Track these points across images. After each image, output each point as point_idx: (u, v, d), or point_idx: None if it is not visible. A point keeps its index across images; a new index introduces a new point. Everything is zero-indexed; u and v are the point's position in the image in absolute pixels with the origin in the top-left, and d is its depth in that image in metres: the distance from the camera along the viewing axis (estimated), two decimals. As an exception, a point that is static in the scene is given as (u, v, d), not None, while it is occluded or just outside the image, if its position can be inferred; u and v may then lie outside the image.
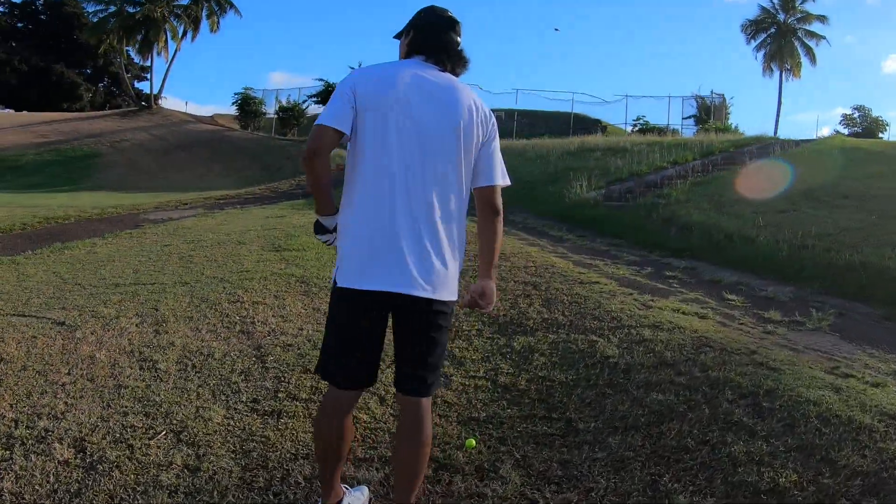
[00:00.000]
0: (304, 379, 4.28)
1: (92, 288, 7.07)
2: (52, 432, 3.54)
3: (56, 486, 2.94)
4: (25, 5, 59.90)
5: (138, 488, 2.94)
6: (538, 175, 16.16)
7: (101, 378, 4.51)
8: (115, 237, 10.85)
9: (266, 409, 3.79)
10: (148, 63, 46.35)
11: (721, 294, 6.43)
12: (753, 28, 43.71)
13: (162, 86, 46.05)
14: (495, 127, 2.46)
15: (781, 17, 42.97)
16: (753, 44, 44.08)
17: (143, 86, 50.71)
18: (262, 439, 3.41)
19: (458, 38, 2.45)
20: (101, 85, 61.26)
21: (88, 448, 3.36)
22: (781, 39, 42.53)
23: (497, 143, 2.46)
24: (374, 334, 2.41)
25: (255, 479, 3.06)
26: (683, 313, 5.25)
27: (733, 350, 4.23)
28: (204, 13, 43.53)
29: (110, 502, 2.82)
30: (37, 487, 2.93)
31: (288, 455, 3.26)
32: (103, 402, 4.05)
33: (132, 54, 47.44)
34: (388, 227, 2.26)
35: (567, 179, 13.77)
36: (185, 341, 5.18)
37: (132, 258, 8.71)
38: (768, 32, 43.34)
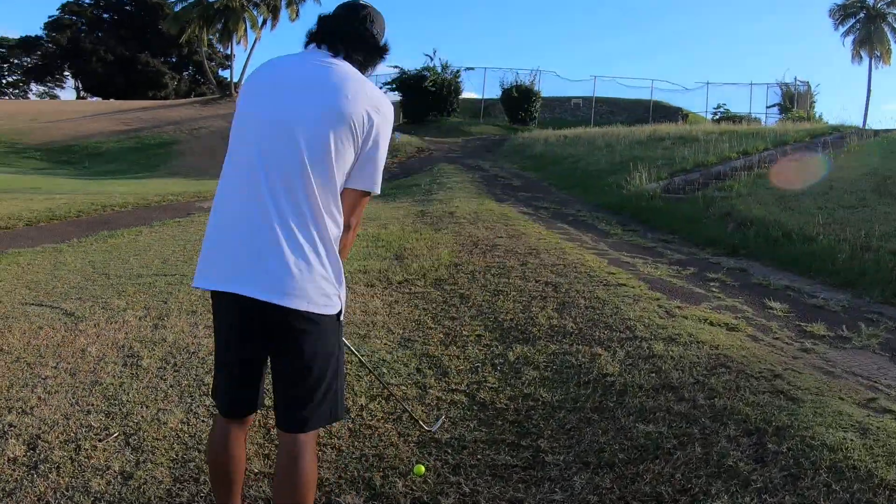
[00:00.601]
0: None
1: (116, 278, 7.03)
2: (15, 427, 3.48)
3: (-6, 483, 2.76)
4: (110, -5, 61.96)
5: (67, 493, 2.83)
6: (602, 165, 15.48)
7: (83, 373, 4.41)
8: (162, 226, 10.89)
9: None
10: (230, 51, 47.29)
11: (763, 301, 5.71)
12: (841, 13, 41.04)
13: (242, 74, 46.95)
14: (381, 127, 2.09)
15: (871, 1, 40.28)
16: (841, 29, 41.30)
17: (227, 74, 51.79)
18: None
19: (364, 24, 2.16)
20: (185, 73, 63.23)
21: (39, 446, 3.28)
22: (871, 25, 39.78)
23: (379, 146, 2.10)
24: (234, 347, 2.14)
25: (181, 492, 2.86)
26: (710, 324, 4.63)
27: (753, 373, 3.62)
28: (283, 2, 43.95)
29: (35, 505, 2.61)
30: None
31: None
32: (74, 398, 3.97)
33: (215, 43, 48.47)
34: (231, 222, 2.01)
35: (630, 170, 13.05)
36: (177, 337, 5.01)
37: (167, 247, 8.68)
38: (857, 18, 40.58)
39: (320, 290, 1.99)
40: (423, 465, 2.98)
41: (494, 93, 34.98)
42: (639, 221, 10.19)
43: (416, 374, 4.05)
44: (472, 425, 3.35)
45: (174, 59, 62.07)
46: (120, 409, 3.79)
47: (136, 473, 3.04)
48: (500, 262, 6.57)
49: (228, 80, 47.77)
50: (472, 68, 35.87)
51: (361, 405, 3.68)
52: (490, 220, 9.05)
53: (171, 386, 4.13)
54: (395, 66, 34.15)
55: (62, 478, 3.03)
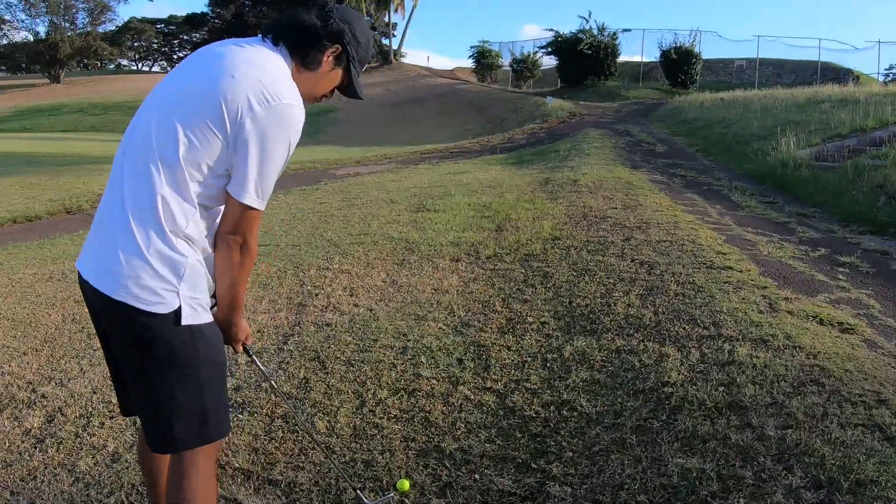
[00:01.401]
0: (298, 372, 3.66)
1: None
2: (46, 398, 3.55)
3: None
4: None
5: (54, 470, 2.89)
6: (754, 129, 14.00)
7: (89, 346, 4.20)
8: (285, 194, 10.96)
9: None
10: (395, 20, 48.07)
11: (900, 293, 4.62)
12: None
13: (401, 41, 47.59)
14: (254, 126, 1.76)
15: None
16: None
17: (392, 42, 52.72)
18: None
19: (307, 14, 1.94)
20: (349, 43, 64.78)
21: (56, 420, 3.32)
22: None
23: (250, 146, 1.77)
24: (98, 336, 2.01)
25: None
26: (820, 322, 3.71)
27: (850, 395, 2.74)
28: (441, -33, 43.95)
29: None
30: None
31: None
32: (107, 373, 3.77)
33: (372, 12, 49.41)
34: (101, 205, 1.89)
35: (780, 135, 11.66)
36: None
37: (278, 217, 8.67)
38: None
39: (141, 283, 1.74)
40: (408, 480, 2.54)
41: (654, 55, 33.40)
42: (780, 192, 8.93)
43: (456, 366, 3.57)
44: (486, 435, 2.84)
45: (338, 29, 63.94)
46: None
47: (124, 456, 2.95)
48: (602, 236, 5.88)
49: (396, 48, 48.49)
50: (629, 30, 34.48)
51: (379, 399, 3.26)
52: (612, 188, 8.29)
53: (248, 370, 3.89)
54: (550, 30, 33.60)
55: (58, 454, 3.02)
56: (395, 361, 3.70)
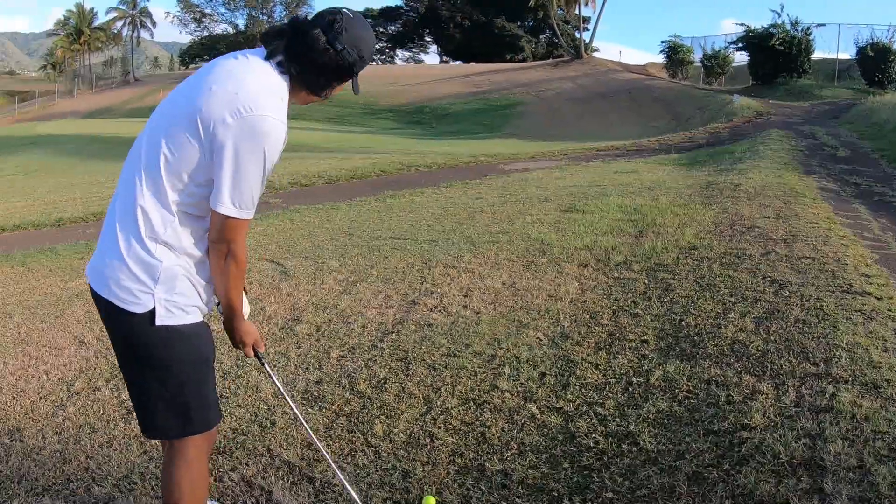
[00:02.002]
0: (380, 371, 3.76)
1: (356, 239, 7.52)
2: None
3: None
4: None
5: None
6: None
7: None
8: (448, 187, 11.23)
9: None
10: (586, 13, 47.62)
11: None
12: None
13: (592, 36, 46.97)
14: (228, 137, 1.84)
15: None
16: None
17: (586, 36, 52.19)
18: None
19: (314, 34, 1.92)
20: (542, 37, 65.03)
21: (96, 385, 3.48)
22: None
23: (225, 157, 1.85)
24: None
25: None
26: None
27: None
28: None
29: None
30: None
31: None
32: None
33: (562, 7, 49.10)
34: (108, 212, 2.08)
35: None
36: (350, 306, 5.06)
37: (428, 211, 8.94)
38: None
39: (120, 283, 1.92)
40: (435, 498, 2.50)
41: (851, 52, 30.63)
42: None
43: (536, 380, 3.45)
44: (534, 460, 2.71)
45: (531, 23, 64.34)
46: (237, 368, 3.90)
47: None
48: (742, 248, 5.44)
49: (583, 42, 48.02)
50: (824, 24, 31.72)
51: (446, 407, 3.24)
52: (773, 195, 7.66)
53: (297, 356, 4.11)
54: (741, 24, 31.93)
55: (69, 419, 3.45)
56: (478, 370, 3.65)
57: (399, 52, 77.93)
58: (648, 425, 2.84)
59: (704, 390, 3.08)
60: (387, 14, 73.51)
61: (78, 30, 73.76)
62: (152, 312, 1.90)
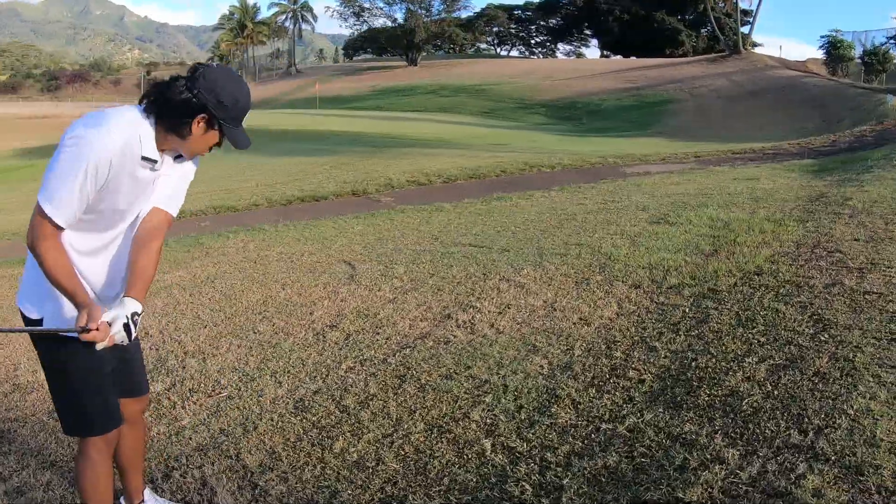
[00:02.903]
0: (370, 388, 3.91)
1: (438, 244, 7.71)
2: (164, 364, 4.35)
3: None
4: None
5: None
6: None
7: (273, 331, 4.92)
8: (559, 191, 11.25)
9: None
10: (744, 6, 45.39)
11: None
12: None
13: (751, 29, 44.58)
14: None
15: None
16: None
17: (747, 30, 49.56)
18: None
19: (174, 89, 2.23)
20: (703, 30, 62.68)
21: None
22: None
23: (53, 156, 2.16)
24: None
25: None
26: None
27: None
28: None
29: None
30: None
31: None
32: (241, 348, 4.39)
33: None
34: None
35: None
36: (391, 315, 5.34)
37: (523, 216, 9.05)
38: None
39: (23, 292, 2.38)
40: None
41: None
42: None
43: (508, 413, 3.44)
44: (456, 500, 2.73)
45: (691, 16, 62.11)
46: (257, 370, 4.19)
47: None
48: (808, 277, 5.03)
49: (744, 35, 45.74)
50: None
51: (409, 432, 3.32)
52: (878, 213, 6.89)
53: (312, 364, 4.33)
54: None
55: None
56: (461, 395, 3.69)
57: (560, 46, 78.07)
58: (583, 482, 2.76)
59: (665, 449, 2.93)
60: (545, 7, 73.75)
61: (242, 24, 79.16)
62: (40, 321, 2.32)
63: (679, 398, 3.38)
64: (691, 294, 4.97)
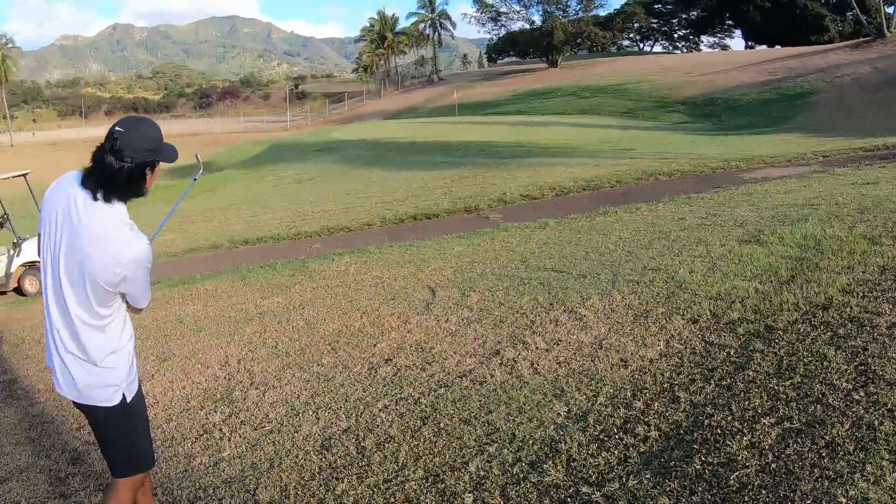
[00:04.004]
0: (391, 428, 4.13)
1: (522, 269, 7.77)
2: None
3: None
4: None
5: None
6: None
7: (324, 364, 5.28)
8: (667, 203, 10.99)
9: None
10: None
11: None
12: None
13: (896, 11, 40.78)
14: None
15: None
16: None
17: (892, 10, 45.41)
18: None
19: (110, 169, 2.60)
20: (849, 14, 58.36)
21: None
22: None
23: None
24: None
25: None
26: None
27: None
28: None
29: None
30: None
31: None
32: (299, 384, 4.78)
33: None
34: None
35: None
36: (440, 350, 5.47)
37: (618, 234, 8.92)
38: None
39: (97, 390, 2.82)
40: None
41: None
42: None
43: (501, 466, 3.53)
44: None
45: (834, 0, 57.94)
46: (304, 405, 4.56)
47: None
48: (877, 313, 4.55)
49: (888, 16, 41.88)
50: None
51: (408, 479, 3.51)
52: None
53: (353, 400, 4.62)
54: None
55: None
56: (469, 442, 3.80)
57: (704, 38, 75.33)
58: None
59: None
60: (685, 0, 71.33)
61: (381, 35, 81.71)
62: (122, 399, 2.81)
63: (671, 463, 3.32)
64: (745, 332, 4.81)
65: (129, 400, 2.78)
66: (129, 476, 2.87)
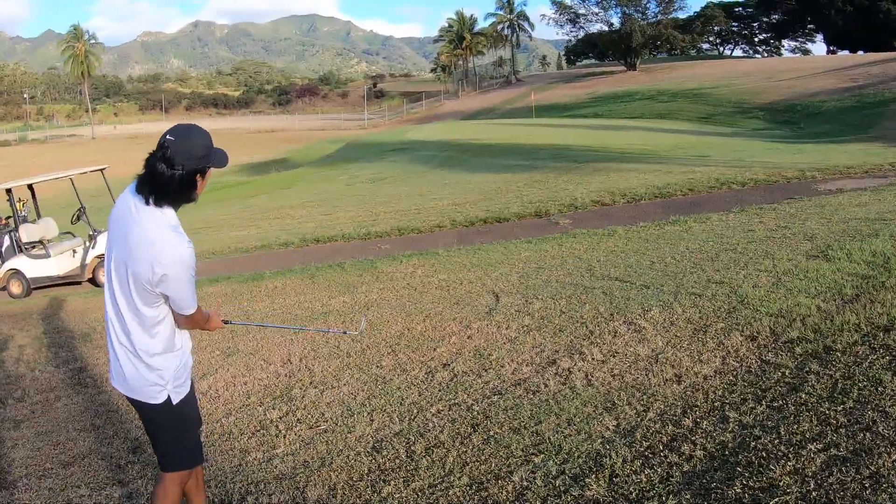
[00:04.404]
0: (442, 432, 4.22)
1: (587, 277, 7.76)
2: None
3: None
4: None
5: None
6: None
7: (373, 361, 5.30)
8: (738, 213, 10.69)
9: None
10: None
11: None
12: None
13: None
14: None
15: None
16: None
17: None
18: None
19: (162, 178, 2.72)
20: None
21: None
22: None
23: None
24: None
25: None
26: None
27: None
28: None
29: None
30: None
31: None
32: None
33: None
34: None
35: None
36: (497, 357, 5.55)
37: (686, 245, 8.73)
38: None
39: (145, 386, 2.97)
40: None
41: None
42: None
43: (544, 479, 3.55)
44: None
45: (920, 6, 55.80)
46: (360, 406, 4.69)
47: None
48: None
49: None
50: None
51: (453, 484, 3.57)
52: None
53: (409, 403, 4.72)
54: None
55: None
56: (516, 452, 3.84)
57: (785, 43, 73.31)
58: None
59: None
60: (765, 3, 69.54)
61: (460, 35, 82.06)
62: (167, 400, 2.95)
63: (712, 485, 3.27)
64: (802, 352, 4.69)
65: (174, 402, 2.92)
66: (175, 471, 3.03)
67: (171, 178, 2.67)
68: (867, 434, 3.49)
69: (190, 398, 3.04)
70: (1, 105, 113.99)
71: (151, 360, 2.83)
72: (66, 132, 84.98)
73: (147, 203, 2.72)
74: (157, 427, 2.98)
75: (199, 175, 2.75)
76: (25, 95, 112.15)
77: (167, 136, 2.69)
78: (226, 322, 3.27)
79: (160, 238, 2.68)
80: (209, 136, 2.79)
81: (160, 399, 2.88)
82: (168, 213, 2.75)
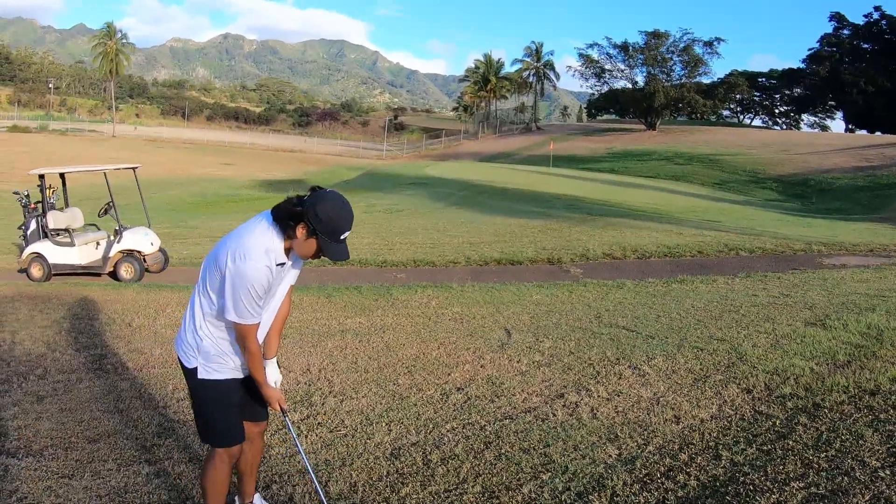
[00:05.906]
0: (457, 448, 4.52)
1: (588, 322, 8.04)
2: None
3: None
4: (869, 26, 60.73)
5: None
6: None
7: (390, 378, 5.60)
8: (743, 278, 11.04)
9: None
10: None
11: None
12: None
13: None
14: (228, 271, 3.01)
15: None
16: None
17: None
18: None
19: (290, 203, 3.06)
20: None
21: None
22: None
23: (226, 285, 3.03)
24: None
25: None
26: None
27: None
28: None
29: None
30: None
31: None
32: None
33: None
34: None
35: None
36: (509, 386, 5.84)
37: (690, 303, 9.05)
38: None
39: (183, 348, 3.28)
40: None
41: None
42: None
43: (550, 494, 3.87)
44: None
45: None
46: (378, 417, 4.99)
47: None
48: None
49: None
50: None
51: (466, 491, 3.89)
52: None
53: (432, 418, 5.03)
54: None
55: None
56: (526, 468, 4.18)
57: (805, 117, 74.30)
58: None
59: None
60: (789, 76, 70.88)
61: (485, 78, 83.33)
62: (195, 368, 3.23)
63: None
64: (793, 406, 5.02)
65: (199, 376, 3.22)
66: (210, 445, 3.39)
67: (292, 203, 3.02)
68: (845, 478, 3.86)
69: (218, 387, 3.27)
70: (26, 92, 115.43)
71: (199, 330, 3.19)
72: (86, 126, 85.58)
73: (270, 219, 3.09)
74: (189, 391, 3.37)
75: (303, 226, 3.00)
76: (50, 85, 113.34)
77: (329, 191, 3.04)
78: (281, 409, 3.46)
79: (242, 246, 2.99)
80: (346, 221, 3.04)
81: (191, 364, 3.22)
82: (272, 234, 3.04)
